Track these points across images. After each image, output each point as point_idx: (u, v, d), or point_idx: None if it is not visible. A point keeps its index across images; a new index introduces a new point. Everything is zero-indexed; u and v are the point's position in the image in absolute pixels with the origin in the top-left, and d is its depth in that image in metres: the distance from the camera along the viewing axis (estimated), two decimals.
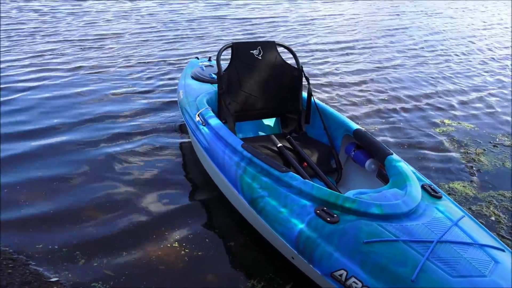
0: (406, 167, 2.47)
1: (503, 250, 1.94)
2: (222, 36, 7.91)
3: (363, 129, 2.95)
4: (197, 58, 4.41)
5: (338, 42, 8.01)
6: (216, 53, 3.19)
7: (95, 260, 2.43)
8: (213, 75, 3.73)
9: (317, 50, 7.29)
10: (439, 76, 6.43)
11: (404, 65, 6.88)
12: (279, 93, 3.27)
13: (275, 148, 2.98)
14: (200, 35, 7.91)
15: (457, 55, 7.84)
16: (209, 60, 4.26)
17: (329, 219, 2.03)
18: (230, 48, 3.16)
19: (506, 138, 4.38)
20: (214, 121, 2.89)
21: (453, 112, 5.05)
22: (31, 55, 6.14)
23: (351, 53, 7.34)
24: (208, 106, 3.11)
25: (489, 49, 8.49)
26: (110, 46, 6.83)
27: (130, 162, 3.44)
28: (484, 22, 11.95)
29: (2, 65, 5.59)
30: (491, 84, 6.22)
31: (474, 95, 5.72)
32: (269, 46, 3.24)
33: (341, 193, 2.21)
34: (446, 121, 4.74)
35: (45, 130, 3.87)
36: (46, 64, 5.77)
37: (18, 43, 6.70)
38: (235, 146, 2.62)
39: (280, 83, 3.25)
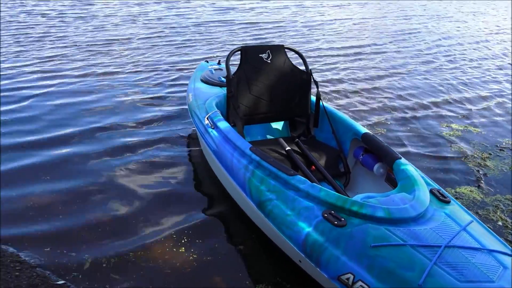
0: (415, 172, 2.46)
1: (511, 256, 1.93)
2: (230, 41, 7.90)
3: (371, 133, 2.95)
4: (207, 62, 4.43)
5: (347, 47, 7.99)
6: (224, 57, 3.20)
7: (102, 264, 2.44)
8: (222, 79, 3.74)
9: (326, 55, 7.28)
10: (448, 80, 6.40)
11: (414, 70, 6.84)
12: (288, 97, 3.28)
13: (284, 152, 2.99)
14: (208, 39, 7.91)
15: (468, 60, 7.79)
16: (219, 63, 4.28)
17: (336, 222, 2.04)
18: (239, 52, 3.18)
19: None
20: (223, 124, 2.91)
21: (460, 116, 5.03)
22: (39, 60, 6.09)
23: (361, 58, 7.32)
24: (217, 109, 3.13)
25: (504, 54, 8.42)
26: (118, 51, 6.82)
27: (138, 168, 3.43)
28: (497, 26, 11.85)
29: (11, 71, 5.57)
30: (500, 90, 6.17)
31: (482, 100, 5.69)
32: (278, 49, 3.25)
33: (349, 197, 2.21)
34: (454, 125, 4.72)
35: (52, 140, 3.80)
36: (54, 70, 5.73)
37: (26, 48, 6.69)
38: (243, 149, 2.63)
39: (289, 86, 3.26)
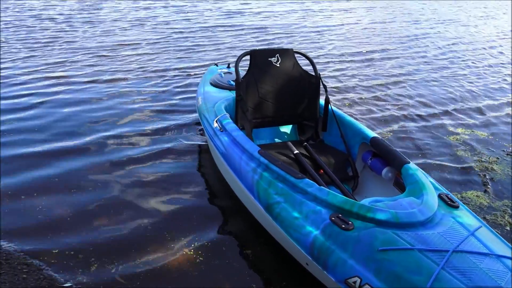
0: (423, 176, 2.45)
1: None
2: (238, 45, 7.90)
3: (380, 137, 2.95)
4: (216, 65, 4.47)
5: (356, 52, 7.98)
6: (233, 61, 3.22)
7: (109, 267, 2.46)
8: (232, 82, 3.77)
9: (335, 60, 7.27)
10: (457, 85, 6.35)
11: (424, 75, 6.80)
12: (297, 101, 3.29)
13: (292, 155, 3.00)
14: (216, 44, 7.91)
15: (476, 64, 7.74)
16: (228, 67, 4.31)
17: (344, 226, 2.04)
18: (249, 56, 3.20)
19: None
20: (232, 127, 2.93)
21: (467, 120, 5.01)
22: (47, 65, 6.07)
23: (371, 63, 7.30)
24: (226, 113, 3.15)
25: None
26: (127, 55, 6.82)
27: (146, 173, 3.43)
28: (510, 30, 11.74)
29: (20, 76, 5.52)
30: (508, 94, 6.13)
31: (489, 104, 5.64)
32: (287, 53, 3.26)
33: (357, 200, 2.21)
34: (460, 129, 4.70)
35: (60, 150, 3.73)
36: (62, 75, 5.68)
37: (35, 53, 6.70)
38: (252, 152, 2.65)
39: (297, 90, 3.27)
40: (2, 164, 3.38)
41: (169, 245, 2.65)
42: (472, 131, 4.67)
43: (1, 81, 5.30)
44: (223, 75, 3.97)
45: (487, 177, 3.68)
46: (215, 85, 3.81)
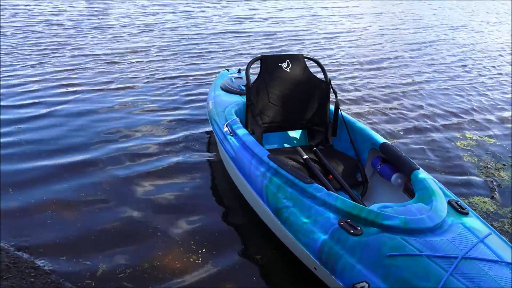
0: (433, 182, 2.45)
1: None
2: (247, 51, 7.88)
3: (389, 143, 2.95)
4: (227, 70, 4.50)
5: (365, 57, 7.95)
6: (244, 66, 3.23)
7: (117, 272, 2.46)
8: (242, 87, 3.79)
9: (345, 66, 7.25)
10: (464, 90, 6.33)
11: (432, 80, 6.77)
12: (307, 106, 3.30)
13: (301, 160, 3.01)
14: (225, 49, 7.88)
15: (486, 69, 7.69)
16: (239, 72, 4.34)
17: (352, 231, 2.04)
18: (259, 61, 3.23)
19: None
20: (242, 132, 2.95)
21: (474, 126, 4.98)
22: (57, 71, 6.04)
23: (380, 69, 7.27)
24: (236, 117, 3.17)
25: None
26: (136, 61, 6.80)
27: (156, 177, 3.42)
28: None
29: (29, 84, 5.48)
30: None
31: (496, 110, 5.61)
32: (298, 59, 3.28)
33: (365, 206, 2.21)
34: (467, 135, 4.68)
35: (68, 151, 3.75)
36: (71, 81, 5.65)
37: (44, 59, 6.69)
38: (261, 156, 2.66)
39: (307, 96, 3.28)
40: (11, 175, 3.37)
41: (177, 250, 2.65)
42: (480, 137, 4.64)
43: (11, 89, 5.28)
44: (233, 80, 4.00)
45: (494, 183, 3.65)
46: (225, 89, 3.84)
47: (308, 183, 2.36)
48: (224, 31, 9.60)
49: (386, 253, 1.92)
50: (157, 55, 7.21)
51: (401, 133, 4.63)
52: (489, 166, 3.97)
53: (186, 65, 6.74)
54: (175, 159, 3.73)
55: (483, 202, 3.35)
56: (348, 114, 3.56)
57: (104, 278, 2.42)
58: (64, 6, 11.81)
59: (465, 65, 7.95)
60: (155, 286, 2.39)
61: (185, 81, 5.90)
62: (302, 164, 2.96)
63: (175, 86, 5.70)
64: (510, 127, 5.04)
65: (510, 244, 2.12)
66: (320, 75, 3.34)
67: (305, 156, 3.02)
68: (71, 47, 7.43)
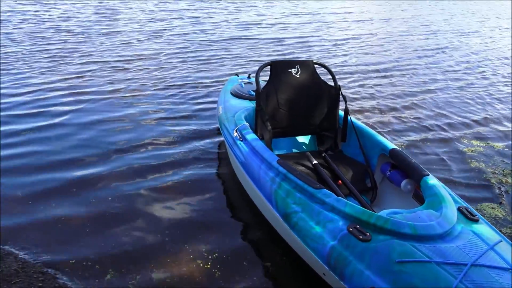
0: (443, 189, 2.44)
1: None
2: (255, 57, 7.86)
3: (399, 148, 2.94)
4: (237, 75, 4.53)
5: (374, 63, 7.93)
6: (251, 73, 3.23)
7: (125, 276, 2.48)
8: (252, 92, 3.82)
9: (353, 71, 7.24)
10: (475, 97, 6.31)
11: (442, 86, 6.75)
12: (316, 111, 3.31)
13: (311, 165, 3.02)
14: (233, 55, 7.88)
15: (497, 75, 7.65)
16: (249, 77, 4.37)
17: (361, 237, 2.05)
18: (269, 66, 3.25)
19: None
20: (251, 137, 2.96)
21: (483, 132, 4.96)
22: (66, 77, 6.05)
23: (389, 75, 7.24)
24: (246, 122, 3.19)
25: None
26: (145, 67, 6.79)
27: (165, 185, 3.43)
28: None
29: (38, 91, 5.49)
30: None
31: (504, 116, 5.59)
32: (307, 65, 3.29)
33: (375, 212, 2.22)
34: (475, 141, 4.66)
35: (77, 162, 3.71)
36: (80, 87, 5.66)
37: (53, 65, 6.70)
38: (270, 161, 2.68)
39: (317, 101, 3.30)
40: (19, 179, 3.40)
41: (186, 257, 2.66)
42: (487, 143, 4.62)
43: (21, 97, 5.28)
44: (243, 85, 4.02)
45: (502, 189, 3.64)
46: (235, 95, 3.87)
47: (317, 189, 2.37)
48: (232, 37, 9.61)
49: (395, 259, 1.92)
50: (165, 62, 7.21)
51: (410, 139, 4.62)
52: (496, 172, 3.95)
53: (195, 71, 6.73)
54: (185, 166, 3.73)
55: (492, 208, 3.34)
56: (357, 120, 3.56)
57: (113, 285, 2.43)
58: (72, 12, 11.89)
59: (476, 72, 7.91)
60: None
61: (194, 88, 5.88)
62: (311, 170, 2.97)
63: (184, 93, 5.68)
64: None
65: None
66: (330, 81, 3.35)
67: (314, 162, 3.03)
68: (80, 54, 7.45)
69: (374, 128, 4.68)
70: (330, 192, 2.35)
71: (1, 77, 5.94)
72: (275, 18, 12.82)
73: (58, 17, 11.04)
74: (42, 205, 3.09)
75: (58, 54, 7.31)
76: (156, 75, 6.37)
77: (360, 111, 5.39)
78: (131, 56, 7.43)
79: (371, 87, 6.43)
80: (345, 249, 2.06)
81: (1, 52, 7.30)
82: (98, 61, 7.01)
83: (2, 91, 5.37)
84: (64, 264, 2.55)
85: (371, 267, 1.95)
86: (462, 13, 17.28)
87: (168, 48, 8.19)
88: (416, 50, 9.45)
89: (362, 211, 2.16)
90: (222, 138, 4.16)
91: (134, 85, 5.87)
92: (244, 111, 3.42)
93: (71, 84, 5.79)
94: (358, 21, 13.42)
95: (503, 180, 3.79)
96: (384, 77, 7.11)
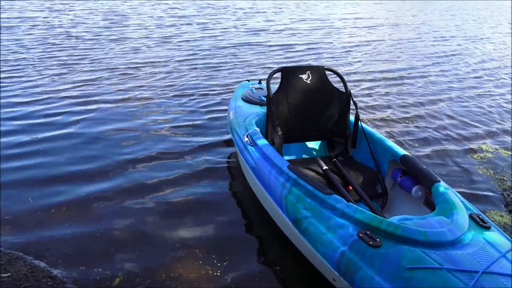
0: (454, 196, 2.44)
1: None
2: (265, 63, 7.83)
3: (410, 155, 2.94)
4: (248, 81, 4.55)
5: (385, 69, 7.91)
6: (263, 78, 3.24)
7: (134, 282, 2.50)
8: (263, 98, 3.84)
9: (364, 78, 7.22)
10: (485, 103, 6.28)
11: (452, 92, 6.74)
12: (327, 117, 3.32)
13: (321, 171, 3.03)
14: (243, 61, 7.86)
15: (505, 81, 7.61)
16: (259, 82, 4.39)
17: (371, 243, 2.05)
18: (280, 72, 3.27)
19: None
20: (262, 142, 2.98)
21: (491, 138, 4.96)
22: (75, 84, 6.03)
23: (398, 80, 7.23)
24: (256, 128, 3.21)
25: None
26: (154, 73, 6.77)
27: (175, 196, 3.42)
28: None
29: (47, 97, 5.48)
30: None
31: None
32: (318, 71, 3.31)
33: (385, 218, 2.22)
34: (484, 147, 4.65)
35: (84, 175, 3.63)
36: (89, 95, 5.63)
37: (63, 71, 6.70)
38: (281, 167, 2.69)
39: (328, 107, 3.31)
40: (24, 187, 3.39)
41: (196, 263, 2.67)
42: (496, 149, 4.61)
43: (31, 103, 5.30)
44: (254, 90, 4.05)
45: (510, 196, 3.62)
46: (246, 100, 3.89)
47: (328, 194, 2.37)
48: (240, 43, 9.63)
49: (406, 265, 1.91)
50: (175, 68, 7.21)
51: (419, 145, 4.62)
52: (505, 178, 3.94)
53: (204, 78, 6.72)
54: (195, 172, 3.73)
55: (500, 216, 3.33)
56: (367, 125, 3.56)
57: (121, 287, 2.45)
58: (82, 18, 11.95)
59: (484, 77, 7.88)
60: None
61: (204, 95, 5.86)
62: (321, 175, 2.98)
63: (195, 100, 5.65)
64: None
65: None
66: (341, 87, 3.37)
67: (325, 167, 3.04)
68: (90, 60, 7.46)
69: (384, 134, 4.68)
70: (340, 197, 2.36)
71: (12, 84, 5.93)
72: (284, 24, 12.83)
73: (68, 23, 11.11)
74: (49, 217, 3.06)
75: (68, 61, 7.32)
76: (166, 82, 6.36)
77: (371, 117, 5.38)
78: (140, 62, 7.44)
79: (382, 93, 6.43)
80: (355, 255, 2.06)
81: (11, 58, 7.34)
82: (108, 68, 7.01)
83: (12, 99, 5.34)
84: (73, 269, 2.56)
85: (381, 273, 1.95)
86: (474, 19, 17.21)
87: (178, 54, 8.20)
88: (427, 56, 9.41)
89: (372, 217, 2.17)
90: (233, 147, 4.16)
91: (144, 92, 5.84)
92: (255, 116, 3.44)
93: (81, 92, 5.75)
94: (367, 27, 13.39)
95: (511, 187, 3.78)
96: (395, 83, 7.10)
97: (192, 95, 5.84)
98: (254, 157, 2.95)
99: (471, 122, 5.44)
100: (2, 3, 14.42)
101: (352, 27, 13.14)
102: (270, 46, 9.44)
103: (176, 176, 3.66)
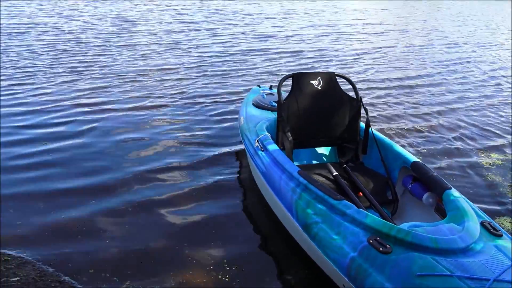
0: (465, 203, 2.43)
1: None
2: (274, 69, 7.83)
3: (421, 161, 2.93)
4: (259, 86, 4.58)
5: (396, 76, 7.87)
6: (270, 84, 3.23)
7: (142, 284, 2.51)
8: (273, 103, 3.86)
9: (375, 85, 7.18)
10: (495, 109, 6.27)
11: (464, 98, 6.72)
12: (337, 123, 3.33)
13: (331, 177, 3.03)
14: (252, 68, 7.86)
15: None
16: (270, 88, 4.41)
17: (381, 249, 2.05)
18: (291, 78, 3.29)
19: None
20: (272, 147, 3.00)
21: (501, 145, 4.93)
22: (85, 92, 6.04)
23: (410, 87, 7.20)
24: (267, 133, 3.23)
25: None
26: (163, 80, 6.76)
27: (184, 199, 3.43)
28: None
29: (56, 104, 5.48)
30: None
31: None
32: (329, 77, 3.32)
33: (395, 224, 2.22)
34: (493, 154, 4.62)
35: (96, 188, 3.56)
36: (99, 103, 5.61)
37: (73, 78, 6.71)
38: (291, 172, 2.70)
39: (338, 113, 3.32)
40: (31, 200, 3.35)
41: (205, 265, 2.68)
42: (505, 156, 4.58)
43: (42, 107, 5.34)
44: (265, 96, 4.07)
45: None
46: (257, 105, 3.91)
47: (338, 200, 2.38)
48: (249, 48, 9.67)
49: (416, 272, 1.91)
50: (184, 74, 7.23)
51: (429, 151, 4.60)
52: None
53: (214, 84, 6.72)
54: (204, 179, 3.71)
55: (510, 222, 3.30)
56: (378, 132, 3.57)
57: None
58: (91, 24, 12.08)
59: (496, 83, 7.84)
60: None
61: (214, 102, 5.84)
62: (331, 181, 2.99)
63: (205, 107, 5.64)
64: None
65: None
66: (351, 93, 3.38)
67: (335, 173, 3.05)
68: (99, 66, 7.50)
69: (394, 140, 4.66)
70: (350, 203, 2.36)
71: (22, 91, 5.97)
72: (292, 30, 12.88)
73: (77, 29, 11.22)
74: (58, 230, 3.03)
75: (78, 68, 7.35)
76: (176, 89, 6.35)
77: (382, 123, 5.37)
78: (150, 69, 7.46)
79: (393, 100, 6.41)
80: (365, 261, 2.06)
81: (22, 65, 7.39)
82: (117, 74, 7.02)
83: (23, 108, 5.33)
84: (82, 273, 2.57)
85: (391, 279, 1.95)
86: (477, 25, 17.15)
87: (187, 60, 8.23)
88: (437, 63, 9.38)
89: (383, 223, 2.17)
90: (245, 158, 4.16)
91: (154, 100, 5.81)
92: (266, 121, 3.46)
93: (91, 99, 5.73)
94: (377, 33, 13.39)
95: None
96: (406, 89, 7.08)
97: (202, 102, 5.80)
98: (264, 162, 2.97)
99: (483, 130, 5.40)
100: (11, 8, 14.61)
101: (362, 33, 13.14)
102: (279, 52, 9.44)
103: (187, 190, 3.57)
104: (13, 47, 8.80)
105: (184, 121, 5.09)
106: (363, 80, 7.47)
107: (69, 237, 2.90)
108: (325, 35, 12.27)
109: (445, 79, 8.01)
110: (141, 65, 7.74)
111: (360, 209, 2.33)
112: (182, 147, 4.36)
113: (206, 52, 9.10)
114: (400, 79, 7.73)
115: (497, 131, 5.37)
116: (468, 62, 9.70)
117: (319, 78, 3.28)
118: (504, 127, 5.54)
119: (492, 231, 2.22)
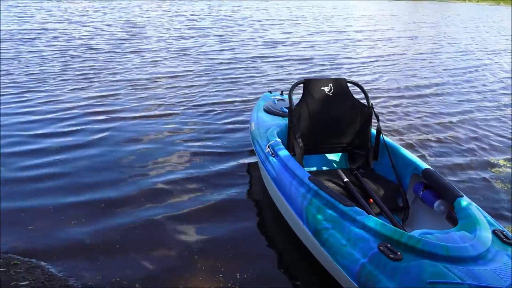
0: (477, 211, 2.42)
1: None
2: (284, 76, 7.82)
3: (432, 169, 2.92)
4: (270, 92, 4.60)
5: (406, 82, 7.84)
6: (282, 91, 3.23)
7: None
8: (284, 109, 3.87)
9: (385, 91, 7.16)
10: (507, 115, 6.23)
11: (478, 106, 6.68)
12: (348, 129, 3.34)
13: (342, 183, 3.03)
14: (262, 74, 7.87)
15: None
16: (281, 94, 4.43)
17: (392, 256, 2.04)
18: (302, 84, 3.30)
19: None
20: (283, 153, 3.01)
21: (509, 151, 4.90)
22: (94, 98, 6.07)
23: (421, 95, 7.16)
24: (278, 139, 3.24)
25: None
26: (174, 87, 6.76)
27: (194, 205, 3.42)
28: None
29: (68, 108, 5.57)
30: None
31: None
32: (340, 83, 3.33)
33: (406, 231, 2.22)
34: (502, 161, 4.59)
35: (102, 186, 3.60)
36: (108, 108, 5.63)
37: (82, 85, 6.62)
38: (302, 178, 2.71)
39: (349, 119, 3.32)
40: (46, 200, 3.38)
41: (213, 270, 2.68)
42: None
43: (52, 115, 5.36)
44: (276, 102, 4.09)
45: None
46: (268, 111, 3.93)
47: (348, 206, 2.38)
48: (259, 55, 9.68)
49: (427, 280, 1.90)
50: (194, 80, 7.24)
51: (440, 158, 4.58)
52: None
53: (224, 90, 6.72)
54: (216, 192, 3.66)
55: None
56: (390, 139, 3.57)
57: None
58: (100, 30, 12.19)
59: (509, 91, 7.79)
60: None
61: (224, 108, 5.84)
62: (342, 187, 2.99)
63: (215, 113, 5.64)
64: None
65: None
66: (362, 99, 3.38)
67: (346, 179, 3.05)
68: (109, 72, 7.54)
69: (406, 148, 4.64)
70: (361, 210, 2.36)
71: (34, 99, 6.00)
72: (301, 37, 12.90)
73: (87, 35, 11.32)
74: (66, 226, 3.08)
75: (88, 74, 7.38)
76: (186, 96, 6.35)
77: (392, 130, 5.35)
78: (160, 76, 7.47)
79: (404, 107, 6.39)
80: (375, 268, 2.06)
81: (33, 71, 7.46)
82: (127, 80, 7.05)
83: (33, 117, 5.32)
84: (91, 279, 2.57)
85: (402, 286, 1.94)
86: (488, 31, 17.05)
87: (196, 66, 8.26)
88: (447, 69, 9.34)
89: (393, 230, 2.17)
90: (252, 159, 4.18)
91: (165, 107, 5.80)
92: (277, 127, 3.48)
93: (101, 107, 5.72)
94: (384, 39, 13.36)
95: None
96: (416, 96, 7.05)
97: (213, 110, 5.77)
98: (275, 167, 2.98)
99: (497, 139, 5.35)
100: (22, 15, 14.80)
101: (371, 40, 13.12)
102: (289, 59, 9.45)
103: (198, 204, 3.48)
104: (24, 53, 8.89)
105: (195, 130, 5.05)
106: (374, 87, 7.44)
107: (79, 254, 2.83)
108: (334, 42, 12.26)
109: (458, 87, 7.94)
110: (151, 72, 7.76)
111: (371, 215, 2.32)
112: (193, 158, 4.29)
113: (215, 58, 9.11)
114: (411, 86, 7.70)
115: (507, 139, 5.33)
116: (483, 69, 9.61)
117: (331, 84, 3.30)
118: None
119: (504, 240, 2.21)
